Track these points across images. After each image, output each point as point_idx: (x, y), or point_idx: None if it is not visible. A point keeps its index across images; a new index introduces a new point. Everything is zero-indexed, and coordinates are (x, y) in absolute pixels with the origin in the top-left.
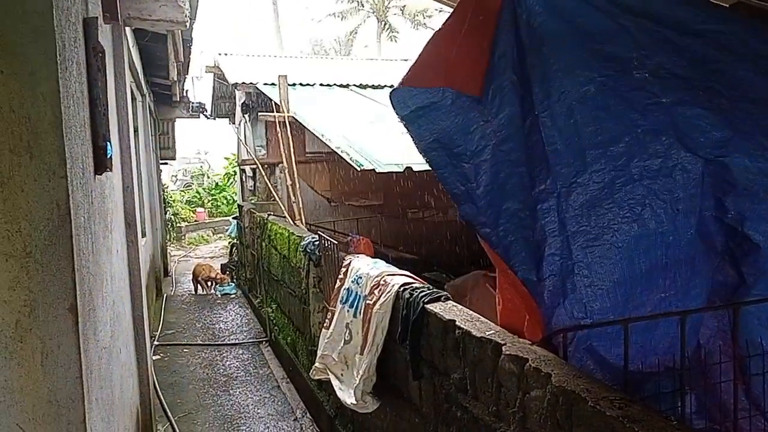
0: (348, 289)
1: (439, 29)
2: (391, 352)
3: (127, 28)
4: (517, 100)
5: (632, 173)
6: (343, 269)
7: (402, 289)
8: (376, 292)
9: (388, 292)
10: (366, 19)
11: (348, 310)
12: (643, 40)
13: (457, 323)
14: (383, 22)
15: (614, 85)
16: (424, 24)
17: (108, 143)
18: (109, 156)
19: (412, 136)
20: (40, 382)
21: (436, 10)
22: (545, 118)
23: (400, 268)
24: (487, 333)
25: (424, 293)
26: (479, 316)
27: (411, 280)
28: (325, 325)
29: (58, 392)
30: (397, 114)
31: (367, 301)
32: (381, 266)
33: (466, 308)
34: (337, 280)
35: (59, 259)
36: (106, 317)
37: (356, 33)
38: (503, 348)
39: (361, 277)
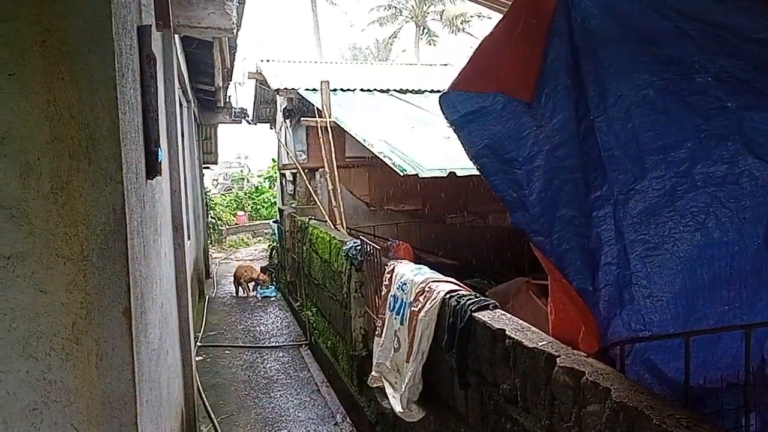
0: (394, 296)
1: (490, 33)
2: (437, 360)
3: (176, 36)
4: (572, 105)
5: (695, 180)
6: (387, 275)
7: (448, 296)
8: (421, 298)
9: (434, 299)
10: (404, 25)
11: (395, 318)
12: (704, 43)
13: (507, 332)
14: (422, 27)
15: (675, 89)
16: (462, 29)
17: (159, 149)
18: (159, 161)
19: (462, 142)
20: (95, 384)
21: (475, 15)
22: (601, 122)
23: (440, 273)
24: (540, 344)
25: (472, 301)
26: (530, 326)
27: (457, 287)
28: (376, 333)
29: (111, 394)
30: (446, 119)
31: (413, 308)
32: (425, 272)
33: (515, 317)
34: (383, 287)
35: (114, 262)
36: (156, 319)
37: (395, 38)
38: (557, 360)
39: (405, 284)
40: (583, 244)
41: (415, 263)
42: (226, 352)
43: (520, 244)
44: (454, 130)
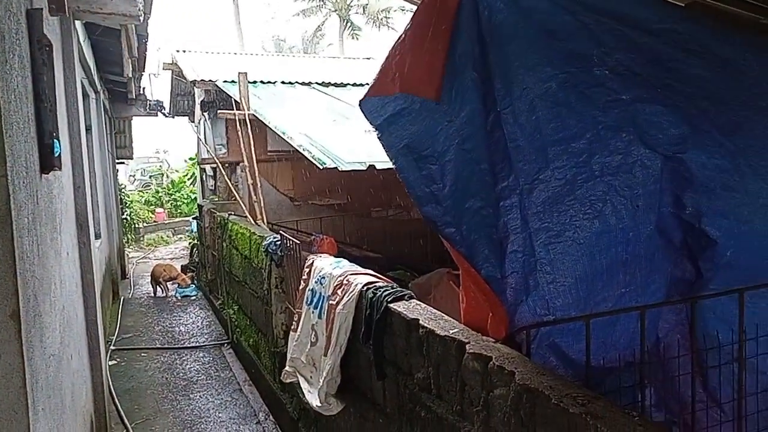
0: (312, 290)
1: (398, 38)
2: (355, 352)
3: (78, 22)
4: (479, 98)
5: (593, 170)
6: (306, 269)
7: (365, 288)
8: (339, 292)
9: (351, 291)
10: (328, 18)
11: (313, 312)
12: (603, 37)
13: (420, 322)
14: (345, 20)
15: (575, 81)
16: (386, 23)
17: (55, 141)
18: (56, 154)
19: (383, 145)
20: None
21: (398, 9)
22: (507, 114)
23: (364, 267)
24: (451, 331)
25: (388, 292)
26: (443, 314)
27: (375, 279)
28: (292, 327)
29: (0, 403)
30: (370, 123)
31: (330, 302)
32: (344, 265)
33: (430, 307)
34: (301, 281)
35: None
36: (55, 323)
37: (319, 31)
38: (467, 346)
39: (324, 278)
40: (491, 234)
41: (339, 257)
42: (143, 354)
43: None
44: (377, 135)
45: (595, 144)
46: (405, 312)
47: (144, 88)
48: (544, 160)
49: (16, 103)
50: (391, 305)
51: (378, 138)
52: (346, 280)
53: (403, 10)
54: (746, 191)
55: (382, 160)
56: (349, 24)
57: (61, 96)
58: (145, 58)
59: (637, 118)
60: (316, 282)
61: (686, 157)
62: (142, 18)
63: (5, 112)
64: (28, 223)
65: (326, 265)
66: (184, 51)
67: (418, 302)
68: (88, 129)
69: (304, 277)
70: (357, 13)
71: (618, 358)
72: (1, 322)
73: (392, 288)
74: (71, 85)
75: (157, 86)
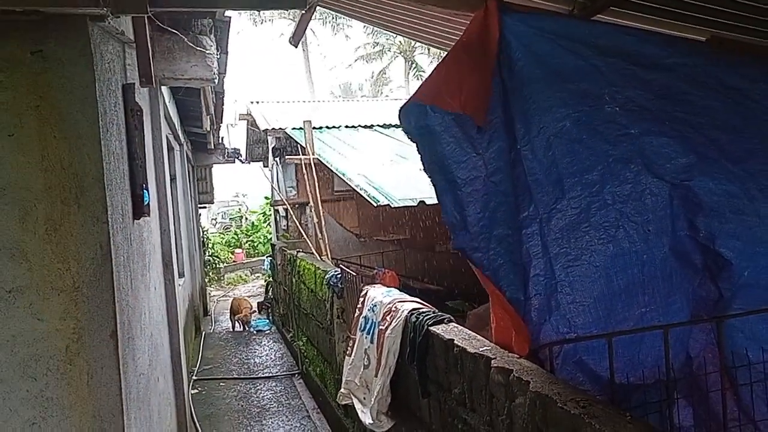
0: (365, 317)
1: (449, 57)
2: (403, 374)
3: (163, 87)
4: (505, 136)
5: (605, 198)
6: (361, 299)
7: (410, 314)
8: (388, 317)
9: (399, 317)
10: (393, 60)
11: (366, 337)
12: (613, 77)
13: (455, 342)
14: (410, 62)
15: (587, 119)
16: None
17: (145, 192)
18: (146, 203)
19: (419, 153)
20: (86, 399)
21: None
22: (526, 151)
23: (424, 299)
24: (481, 349)
25: (429, 316)
26: (476, 334)
27: (419, 306)
28: (347, 352)
29: (101, 408)
30: (403, 129)
31: (380, 327)
32: (394, 294)
33: (465, 329)
34: (356, 309)
35: (102, 292)
36: (144, 346)
37: (384, 74)
38: (492, 361)
39: (375, 305)
40: (516, 259)
41: (401, 289)
42: (221, 384)
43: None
44: (410, 139)
45: (607, 175)
46: (443, 333)
47: (222, 138)
48: (561, 191)
49: (115, 163)
50: (431, 328)
51: (414, 143)
52: (395, 307)
53: None
54: (758, 214)
55: (432, 195)
56: (414, 65)
57: (149, 152)
58: (222, 111)
59: (645, 149)
60: (369, 310)
61: (693, 184)
62: (217, 80)
63: (107, 171)
64: (123, 261)
65: (378, 294)
66: (257, 102)
67: (456, 325)
68: (173, 178)
69: (358, 306)
70: (422, 53)
71: (643, 375)
72: (104, 340)
73: (434, 313)
74: (158, 141)
75: (234, 135)
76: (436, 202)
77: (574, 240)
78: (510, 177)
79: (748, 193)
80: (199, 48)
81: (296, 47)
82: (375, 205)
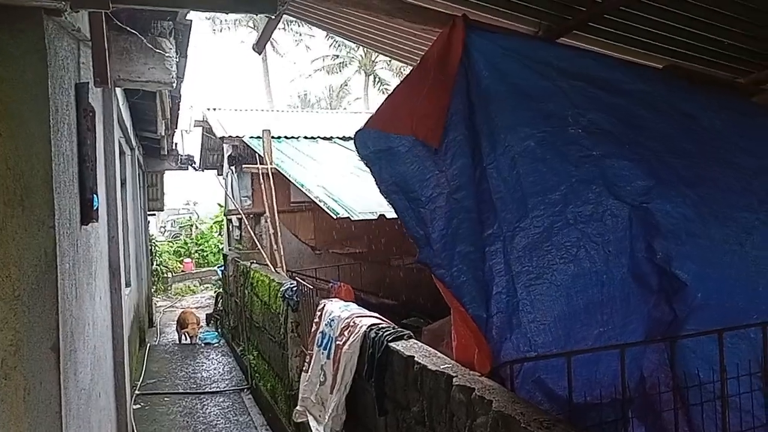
0: (322, 332)
1: (405, 79)
2: (360, 390)
3: (118, 89)
4: (469, 153)
5: (567, 218)
6: (318, 313)
7: (369, 329)
8: (345, 333)
9: (357, 332)
10: (354, 74)
11: (322, 353)
12: (576, 99)
13: (416, 359)
14: (372, 75)
15: (551, 139)
16: None
17: (95, 196)
18: (95, 208)
19: (374, 177)
20: (22, 417)
21: None
22: (492, 169)
23: (381, 314)
24: (442, 366)
25: (389, 332)
26: (437, 352)
27: (378, 321)
28: (304, 368)
29: (38, 427)
30: (358, 153)
31: (338, 342)
32: (352, 308)
33: (426, 346)
34: (313, 324)
35: (44, 301)
36: (87, 360)
37: (345, 86)
38: (454, 379)
39: (333, 320)
40: (478, 276)
41: (356, 303)
42: (166, 399)
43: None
44: (366, 164)
45: (570, 195)
46: (403, 350)
47: (176, 144)
48: (524, 210)
49: (64, 165)
50: (391, 344)
51: (368, 168)
52: (353, 322)
53: None
54: (710, 237)
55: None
56: (377, 79)
57: (100, 155)
58: (177, 117)
59: (606, 171)
60: (326, 324)
61: (652, 207)
62: (175, 84)
63: (55, 173)
64: (69, 268)
65: (336, 309)
66: (214, 109)
67: (416, 341)
68: (123, 183)
69: (315, 320)
70: (382, 68)
71: (600, 394)
72: (44, 353)
73: (393, 329)
74: (110, 144)
75: (188, 141)
76: (395, 216)
77: (536, 258)
78: (473, 194)
79: (701, 216)
80: (158, 50)
81: (260, 54)
82: (335, 217)
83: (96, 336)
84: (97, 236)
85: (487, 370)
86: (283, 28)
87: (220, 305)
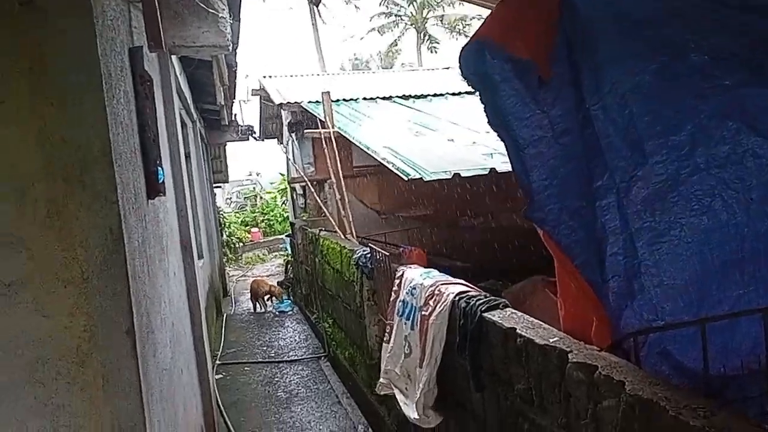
0: (403, 300)
1: None
2: (451, 363)
3: (174, 57)
4: (572, 93)
5: (697, 162)
6: (397, 281)
7: (458, 298)
8: (431, 302)
9: (443, 302)
10: (405, 32)
11: (405, 323)
12: (698, 21)
13: (518, 331)
14: (422, 33)
15: (671, 71)
16: (464, 33)
17: (159, 168)
18: (161, 181)
19: (481, 101)
20: (102, 407)
21: (476, 17)
22: (597, 110)
23: (454, 277)
24: (551, 340)
25: (481, 301)
26: (541, 322)
27: (466, 289)
28: (384, 339)
29: (120, 416)
30: (461, 73)
31: (423, 313)
32: (435, 275)
33: (526, 315)
34: (392, 293)
35: (115, 283)
36: (166, 339)
37: (395, 45)
38: (569, 355)
39: (415, 288)
40: (590, 235)
41: (428, 268)
42: (246, 368)
43: (534, 244)
44: (470, 86)
45: (698, 135)
46: (501, 321)
47: (235, 115)
48: (641, 156)
49: (123, 135)
50: (485, 315)
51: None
52: (438, 290)
53: (480, 18)
54: None
55: (467, 168)
56: (427, 37)
57: (162, 126)
58: (235, 85)
59: (744, 104)
60: (407, 293)
61: None
62: (230, 47)
63: (114, 144)
64: (138, 246)
65: (416, 276)
66: (270, 77)
67: (514, 310)
68: (188, 156)
69: (394, 289)
70: (435, 24)
71: (741, 365)
72: (119, 338)
73: (486, 297)
74: (171, 115)
75: (247, 112)
76: (470, 174)
77: (660, 212)
78: (581, 140)
79: None
80: (210, 10)
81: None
82: (405, 179)
83: (173, 313)
84: (165, 210)
85: (607, 343)
86: None
87: (290, 273)
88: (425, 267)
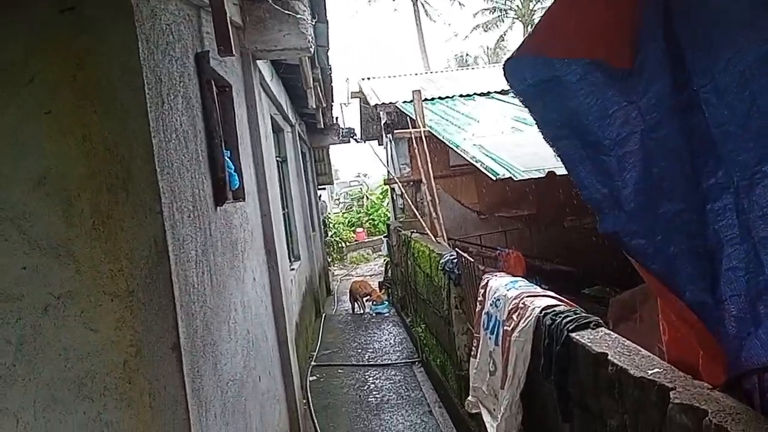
0: (488, 313)
1: None
2: (536, 386)
3: (260, 61)
4: (670, 73)
5: None
6: (481, 290)
7: (543, 313)
8: (514, 316)
9: (528, 317)
10: (512, 26)
11: (489, 338)
12: None
13: (609, 357)
14: (529, 26)
15: None
16: None
17: (233, 174)
18: (234, 187)
19: (535, 120)
20: (149, 425)
21: None
22: (708, 93)
23: (555, 283)
24: (650, 372)
25: (569, 318)
26: (639, 348)
27: (554, 302)
28: (472, 353)
29: None
30: (512, 89)
31: (505, 327)
32: (520, 286)
33: (621, 336)
34: (477, 303)
35: (160, 297)
36: (236, 348)
37: (502, 41)
38: (671, 393)
39: (498, 300)
40: (697, 246)
41: (528, 272)
42: (340, 371)
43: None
44: (523, 102)
45: None
46: (590, 343)
47: (337, 118)
48: None
49: (178, 142)
50: (573, 335)
51: (526, 107)
52: (522, 303)
53: None
54: None
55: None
56: None
57: (244, 131)
58: (331, 88)
59: None
60: (491, 304)
61: None
62: (312, 49)
63: (161, 151)
64: (195, 256)
65: (501, 286)
66: (368, 78)
67: (608, 332)
68: (284, 160)
69: (479, 299)
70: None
71: None
72: (165, 354)
73: (574, 313)
74: (254, 120)
75: (348, 114)
76: (566, 173)
77: None
78: (680, 131)
79: None
80: (290, 12)
81: None
82: (494, 178)
83: (249, 320)
84: (243, 216)
85: (720, 381)
86: None
87: (389, 274)
88: (524, 271)
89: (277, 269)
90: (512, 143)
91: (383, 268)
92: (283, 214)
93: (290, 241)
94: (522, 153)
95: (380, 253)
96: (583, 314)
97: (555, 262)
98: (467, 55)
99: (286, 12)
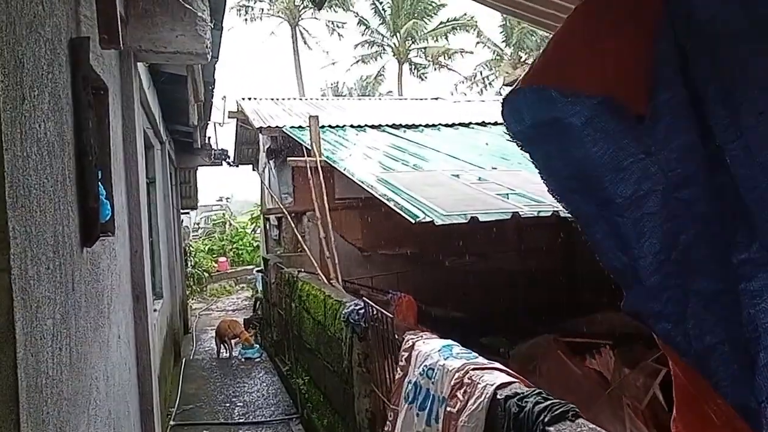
0: (415, 383)
1: (584, 5)
2: None
3: (141, 66)
4: (694, 125)
5: None
6: (404, 353)
7: (503, 396)
8: (459, 394)
9: (479, 397)
10: (388, 63)
11: (417, 414)
12: None
13: None
14: (406, 64)
15: None
16: (446, 65)
17: (105, 202)
18: (106, 219)
19: (536, 168)
20: None
21: (458, 51)
22: (735, 150)
23: (453, 332)
24: None
25: (541, 406)
26: None
27: (507, 378)
28: (387, 428)
29: None
30: (508, 130)
31: (449, 408)
32: (459, 354)
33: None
34: (398, 368)
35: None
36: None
37: (381, 75)
38: None
39: (432, 369)
40: (738, 335)
41: (420, 319)
42: (205, 431)
43: (533, 289)
44: (520, 147)
45: None
46: None
47: (209, 138)
48: None
49: (39, 158)
50: (549, 429)
51: (525, 152)
52: (468, 379)
53: (462, 52)
54: None
55: (484, 210)
56: (414, 66)
57: (118, 147)
58: (211, 105)
59: None
60: (420, 373)
61: None
62: (209, 56)
63: (12, 171)
64: (53, 326)
65: (433, 352)
66: (249, 98)
67: (591, 426)
68: (152, 182)
69: (401, 364)
70: (417, 56)
71: None
72: None
73: (544, 399)
74: (131, 135)
75: (221, 135)
76: (490, 219)
77: None
78: (710, 191)
79: None
80: (187, 6)
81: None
82: (414, 222)
83: (111, 395)
84: (112, 255)
85: None
86: (316, 18)
87: (259, 311)
88: (415, 317)
89: (145, 320)
90: (420, 181)
91: (251, 303)
92: (149, 243)
93: (153, 277)
94: (434, 193)
95: (243, 285)
96: (556, 401)
97: (446, 307)
98: (343, 84)
99: (186, 5)
